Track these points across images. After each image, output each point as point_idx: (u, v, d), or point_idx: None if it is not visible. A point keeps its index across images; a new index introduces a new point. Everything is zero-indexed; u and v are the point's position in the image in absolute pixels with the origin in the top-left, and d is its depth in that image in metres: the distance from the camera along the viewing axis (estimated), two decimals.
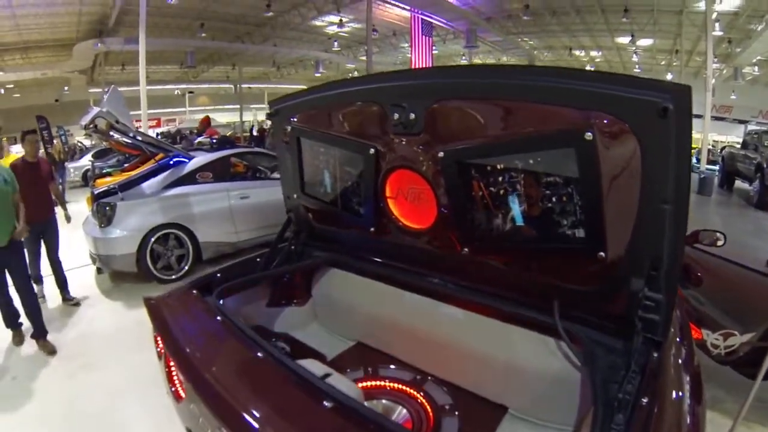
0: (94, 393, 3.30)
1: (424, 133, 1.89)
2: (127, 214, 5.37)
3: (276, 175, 6.81)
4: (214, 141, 7.67)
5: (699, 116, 12.81)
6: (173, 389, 1.96)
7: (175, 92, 33.58)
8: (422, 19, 19.14)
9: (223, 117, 32.51)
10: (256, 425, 1.38)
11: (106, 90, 7.56)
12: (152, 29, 16.37)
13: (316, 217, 2.72)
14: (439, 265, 2.25)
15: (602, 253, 1.54)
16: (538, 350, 2.01)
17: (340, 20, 21.28)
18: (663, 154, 1.34)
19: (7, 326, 4.15)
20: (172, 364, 1.95)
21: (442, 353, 2.40)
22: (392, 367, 2.56)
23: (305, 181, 2.62)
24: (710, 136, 16.38)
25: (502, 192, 1.77)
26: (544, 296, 1.83)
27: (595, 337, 1.73)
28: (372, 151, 2.11)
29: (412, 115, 1.88)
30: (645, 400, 1.28)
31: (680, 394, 1.41)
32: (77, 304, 5.07)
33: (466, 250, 1.98)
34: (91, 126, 5.94)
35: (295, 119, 2.46)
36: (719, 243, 2.81)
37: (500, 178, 1.75)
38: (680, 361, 1.58)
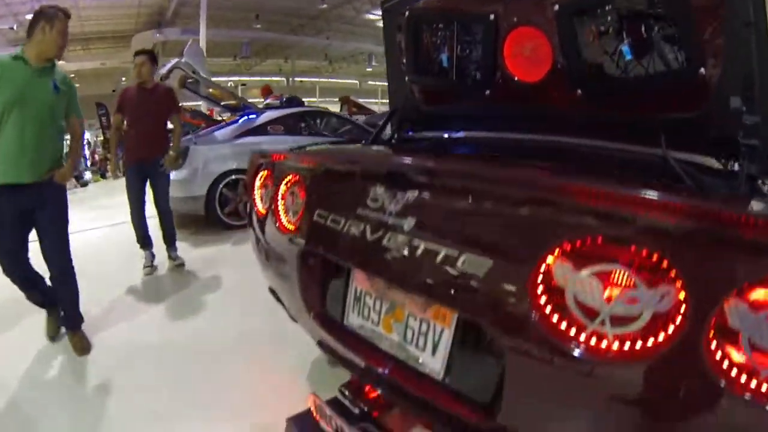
0: None
1: None
2: (198, 157, 5.37)
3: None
4: (284, 99, 7.68)
5: None
6: (278, 224, 2.05)
7: (228, 84, 34.36)
8: None
9: None
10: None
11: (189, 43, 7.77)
12: (208, 21, 16.80)
13: (425, 98, 2.80)
14: (551, 122, 2.36)
15: (702, 70, 1.69)
16: None
17: None
18: None
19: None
20: (281, 196, 2.08)
21: None
22: None
23: (418, 64, 2.70)
24: None
25: (610, 30, 1.94)
26: (651, 137, 1.92)
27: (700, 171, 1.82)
28: (492, 16, 2.30)
29: None
30: None
31: None
32: (182, 265, 4.31)
33: (579, 92, 2.11)
34: (167, 78, 6.01)
35: (411, 6, 2.62)
36: None
37: (608, 18, 1.93)
38: None
